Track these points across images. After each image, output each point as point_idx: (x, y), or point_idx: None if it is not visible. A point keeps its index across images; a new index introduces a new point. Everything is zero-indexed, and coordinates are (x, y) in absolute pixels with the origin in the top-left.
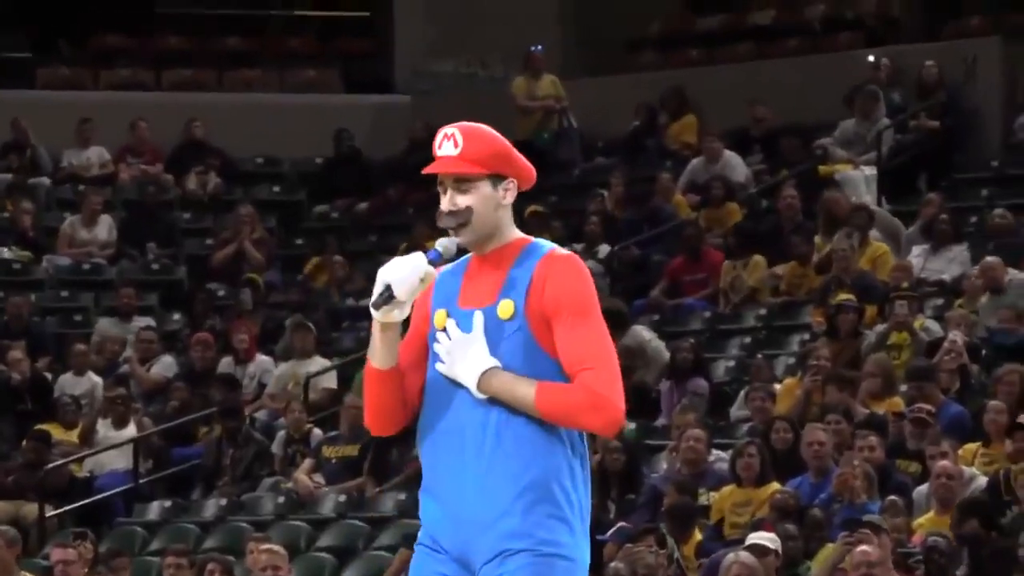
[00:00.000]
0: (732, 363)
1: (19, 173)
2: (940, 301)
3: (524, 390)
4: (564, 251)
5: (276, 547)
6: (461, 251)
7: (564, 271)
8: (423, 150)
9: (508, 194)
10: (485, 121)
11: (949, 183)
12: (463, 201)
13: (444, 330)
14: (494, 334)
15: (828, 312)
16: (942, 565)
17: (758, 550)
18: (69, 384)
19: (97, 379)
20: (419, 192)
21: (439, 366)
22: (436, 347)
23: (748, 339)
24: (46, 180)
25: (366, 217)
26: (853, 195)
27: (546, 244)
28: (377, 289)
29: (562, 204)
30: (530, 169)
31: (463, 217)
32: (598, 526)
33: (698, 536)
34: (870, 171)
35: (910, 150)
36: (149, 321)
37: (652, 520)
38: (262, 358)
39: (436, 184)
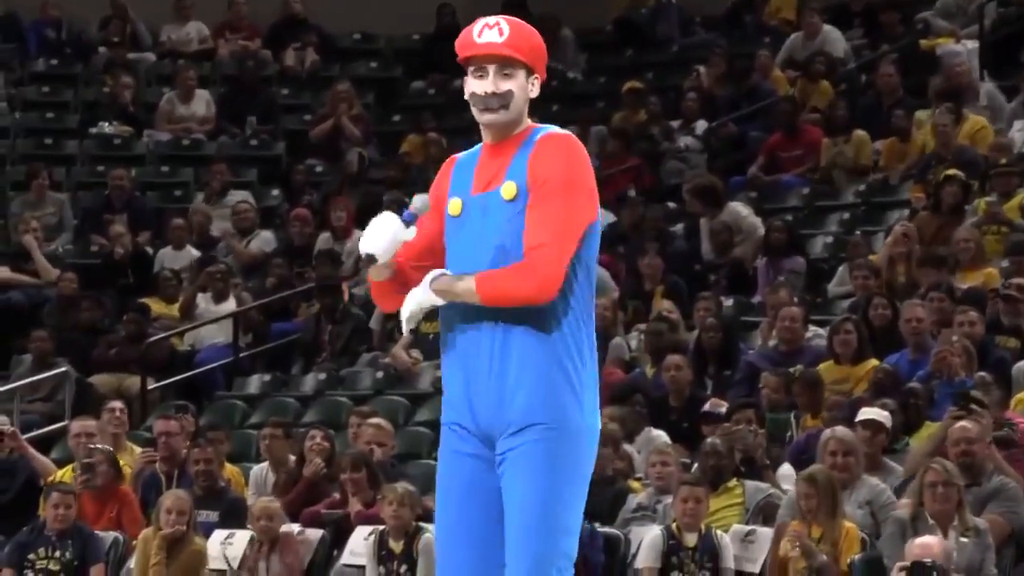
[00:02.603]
0: (830, 239)
1: (119, 48)
2: None
3: (464, 285)
4: (562, 131)
5: (383, 422)
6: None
7: (554, 149)
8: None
9: (534, 88)
10: None
11: None
12: (505, 85)
13: (459, 216)
14: (498, 215)
15: (928, 188)
16: None
17: (872, 426)
18: (169, 258)
19: (197, 253)
20: None
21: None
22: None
23: (846, 215)
24: (148, 55)
25: (462, 93)
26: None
27: (547, 127)
28: (362, 255)
29: (659, 80)
30: (544, 74)
31: (506, 100)
32: (695, 402)
33: (825, 414)
34: (972, 45)
35: (1013, 23)
36: (246, 196)
37: (749, 395)
38: (360, 234)
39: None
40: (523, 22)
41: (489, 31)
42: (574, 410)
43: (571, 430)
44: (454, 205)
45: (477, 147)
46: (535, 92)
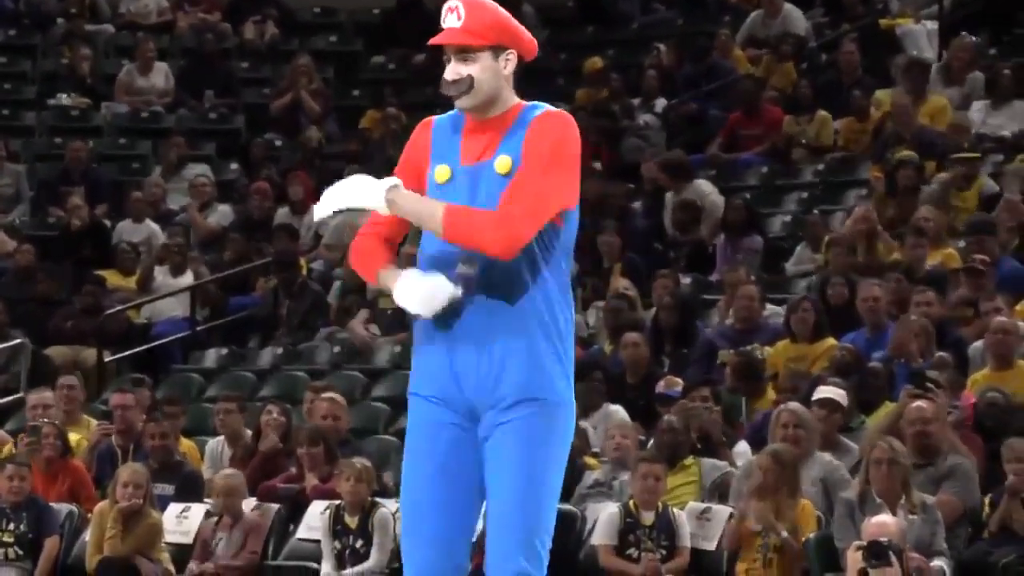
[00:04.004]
0: (788, 218)
1: (78, 19)
2: (1000, 157)
3: (428, 208)
4: (557, 110)
5: (337, 396)
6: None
7: (551, 125)
8: None
9: (508, 64)
10: None
11: (1011, 38)
12: (465, 71)
13: (447, 184)
14: (491, 188)
15: (887, 168)
16: (1001, 420)
17: (828, 404)
18: (127, 231)
19: (155, 226)
20: None
21: (318, 208)
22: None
23: (805, 194)
24: (107, 27)
25: (423, 68)
26: (914, 49)
27: (542, 105)
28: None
29: (620, 58)
30: (531, 41)
31: (464, 86)
32: (652, 380)
33: (772, 394)
34: (932, 25)
35: (972, 4)
36: (205, 169)
37: (707, 373)
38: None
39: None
40: (483, 0)
41: (450, 15)
42: (562, 386)
43: (560, 405)
44: (442, 172)
45: (457, 115)
46: (509, 68)
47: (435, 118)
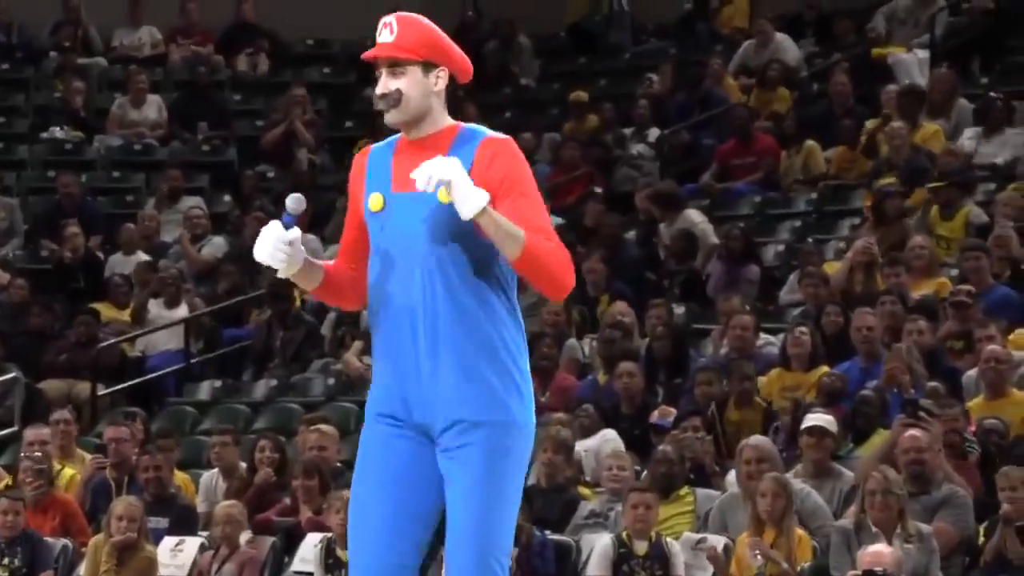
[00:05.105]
0: (782, 247)
1: (70, 52)
2: (992, 186)
3: (515, 229)
4: (501, 135)
5: (326, 427)
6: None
7: (506, 154)
8: (473, 33)
9: (440, 81)
10: (536, 2)
11: (1003, 66)
12: (394, 84)
13: (380, 212)
14: (435, 215)
15: (875, 196)
16: (1002, 447)
17: (817, 432)
18: (120, 264)
19: (147, 259)
20: None
21: (423, 184)
22: (419, 176)
23: (798, 223)
24: (100, 60)
25: None
26: (906, 78)
27: (482, 129)
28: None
29: (612, 88)
30: (465, 61)
31: (392, 99)
32: (647, 410)
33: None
34: (923, 54)
35: (964, 33)
36: (198, 201)
37: (698, 403)
38: (310, 238)
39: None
40: (417, 17)
41: (384, 30)
42: (517, 406)
43: (515, 427)
44: (375, 201)
45: (392, 139)
46: (441, 85)
47: (373, 146)
